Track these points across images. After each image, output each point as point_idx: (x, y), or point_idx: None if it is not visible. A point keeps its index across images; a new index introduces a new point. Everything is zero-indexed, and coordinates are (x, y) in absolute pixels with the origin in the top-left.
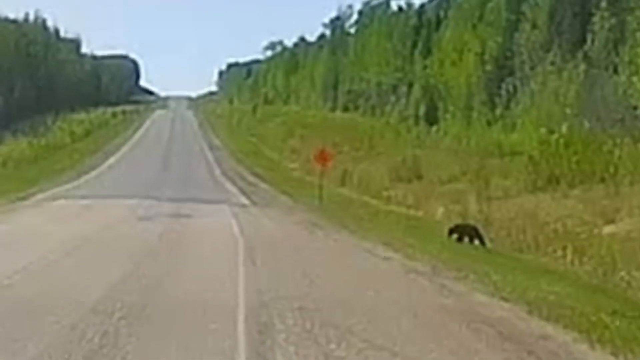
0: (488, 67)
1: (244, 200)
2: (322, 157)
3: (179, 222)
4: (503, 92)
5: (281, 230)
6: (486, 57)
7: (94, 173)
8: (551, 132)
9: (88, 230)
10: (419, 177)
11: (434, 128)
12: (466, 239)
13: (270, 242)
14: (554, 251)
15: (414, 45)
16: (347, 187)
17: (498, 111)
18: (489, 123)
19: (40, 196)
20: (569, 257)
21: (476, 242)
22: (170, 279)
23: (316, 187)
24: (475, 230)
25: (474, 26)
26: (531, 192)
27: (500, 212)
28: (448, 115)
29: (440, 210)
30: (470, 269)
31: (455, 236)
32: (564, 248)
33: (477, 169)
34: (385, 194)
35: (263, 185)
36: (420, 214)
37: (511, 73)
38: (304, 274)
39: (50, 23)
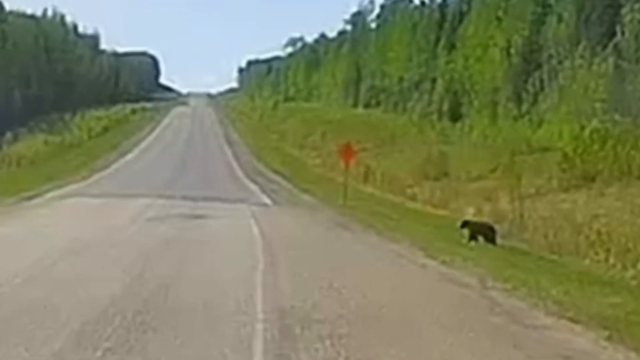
0: (514, 62)
1: (264, 198)
2: (347, 153)
3: (192, 224)
4: (530, 87)
5: (305, 232)
6: (512, 51)
7: (108, 171)
8: (582, 127)
9: (91, 232)
10: (445, 174)
11: (459, 124)
12: (481, 239)
13: (293, 246)
14: (596, 253)
15: (437, 40)
16: (370, 184)
17: (525, 107)
18: (515, 119)
19: (50, 195)
20: (611, 261)
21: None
22: (174, 295)
23: (339, 185)
24: (491, 229)
25: (499, 20)
26: (565, 190)
27: (533, 211)
28: (472, 111)
29: (471, 210)
30: (518, 278)
31: (466, 232)
32: (607, 250)
33: (508, 165)
34: (409, 191)
35: (284, 183)
36: (447, 212)
37: (538, 67)
38: (333, 286)
39: (68, 19)
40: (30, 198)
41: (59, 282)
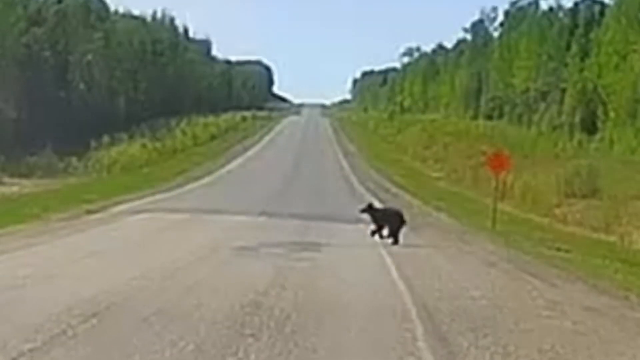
0: None
1: None
2: (498, 162)
3: (300, 259)
4: None
5: (474, 281)
6: None
7: (207, 179)
8: None
9: (138, 274)
10: (594, 192)
11: (597, 137)
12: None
13: (466, 309)
14: None
15: (568, 47)
16: (506, 201)
17: None
18: None
19: (120, 208)
20: None
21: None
22: None
23: (471, 201)
24: (401, 216)
25: None
26: None
27: None
28: (609, 123)
29: None
30: None
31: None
32: None
33: None
34: (557, 211)
35: (409, 198)
36: (612, 239)
37: None
38: None
39: (179, 22)
40: (93, 211)
41: None
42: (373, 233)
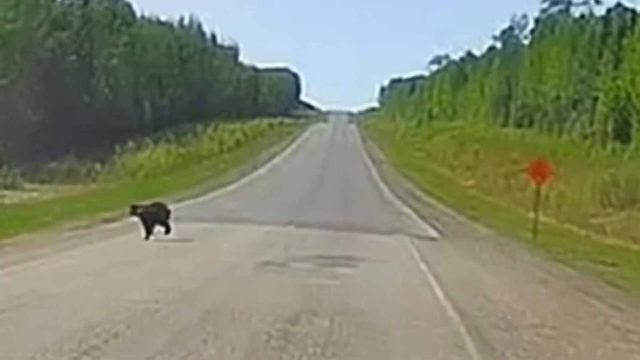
0: None
1: (427, 229)
2: (540, 171)
3: (334, 276)
4: None
5: (524, 300)
6: None
7: (232, 186)
8: None
9: (147, 295)
10: (633, 202)
11: (631, 146)
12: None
13: (530, 341)
14: None
15: (600, 54)
16: (542, 211)
17: None
18: None
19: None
20: None
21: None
22: None
23: (505, 211)
24: (164, 208)
25: None
26: None
27: None
28: None
29: None
30: None
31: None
32: None
33: None
34: (594, 222)
35: (442, 207)
36: None
37: None
38: None
39: (206, 28)
40: (109, 220)
41: None
42: (148, 234)
